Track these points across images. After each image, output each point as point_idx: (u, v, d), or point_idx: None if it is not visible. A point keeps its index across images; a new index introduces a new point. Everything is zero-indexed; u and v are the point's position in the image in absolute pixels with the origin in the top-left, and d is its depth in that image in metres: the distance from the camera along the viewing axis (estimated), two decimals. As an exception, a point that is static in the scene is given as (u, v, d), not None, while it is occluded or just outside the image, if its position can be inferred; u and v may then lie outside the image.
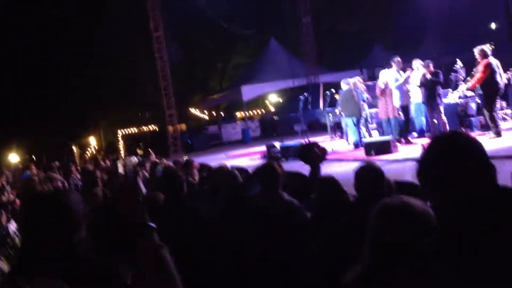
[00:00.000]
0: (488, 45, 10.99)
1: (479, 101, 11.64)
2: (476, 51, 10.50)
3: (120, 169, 7.93)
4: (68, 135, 30.35)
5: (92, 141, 31.58)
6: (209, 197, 5.17)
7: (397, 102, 12.08)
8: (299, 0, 24.99)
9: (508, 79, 11.89)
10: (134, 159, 9.98)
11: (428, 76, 11.55)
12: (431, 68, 11.75)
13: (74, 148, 29.51)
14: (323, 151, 5.48)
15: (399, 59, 12.42)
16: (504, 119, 11.72)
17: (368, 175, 3.64)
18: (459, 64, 13.16)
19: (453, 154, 1.49)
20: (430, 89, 11.61)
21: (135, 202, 1.95)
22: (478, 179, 1.46)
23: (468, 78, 10.67)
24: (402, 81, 11.91)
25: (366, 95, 13.40)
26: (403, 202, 1.79)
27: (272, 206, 4.07)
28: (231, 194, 4.75)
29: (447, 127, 11.80)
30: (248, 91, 24.26)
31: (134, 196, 1.98)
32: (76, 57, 29.35)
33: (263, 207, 4.04)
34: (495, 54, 10.80)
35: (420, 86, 11.89)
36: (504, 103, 12.20)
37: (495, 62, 10.41)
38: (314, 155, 5.21)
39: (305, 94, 16.12)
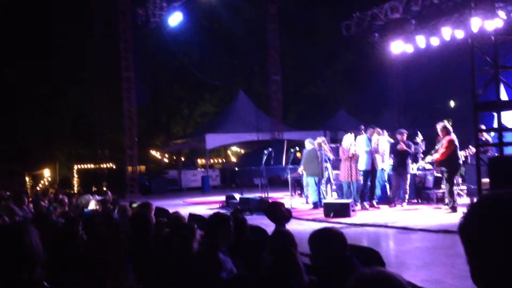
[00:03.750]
0: (446, 121, 11.46)
1: (438, 175, 11.98)
2: (439, 127, 10.82)
3: (92, 206, 7.73)
4: (21, 164, 29.36)
5: (46, 173, 30.68)
6: (165, 244, 5.07)
7: (363, 166, 12.30)
8: (270, 59, 25.61)
9: (466, 157, 12.28)
10: (96, 197, 9.76)
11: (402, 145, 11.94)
12: (405, 137, 12.12)
13: (26, 178, 28.52)
14: (289, 212, 5.60)
15: (379, 130, 12.80)
16: (459, 195, 12.06)
17: (329, 239, 3.61)
18: (419, 137, 13.54)
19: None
20: (401, 157, 11.94)
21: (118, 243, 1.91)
22: None
23: (432, 152, 10.99)
24: (374, 146, 12.23)
25: (331, 156, 13.59)
26: (382, 273, 1.78)
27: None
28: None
29: (407, 196, 12.13)
30: (212, 140, 24.43)
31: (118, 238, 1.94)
32: (39, 87, 28.88)
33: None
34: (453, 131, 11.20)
35: (390, 153, 12.22)
36: (460, 179, 12.57)
37: (456, 139, 10.80)
38: (281, 215, 5.29)
39: (269, 148, 16.24)
